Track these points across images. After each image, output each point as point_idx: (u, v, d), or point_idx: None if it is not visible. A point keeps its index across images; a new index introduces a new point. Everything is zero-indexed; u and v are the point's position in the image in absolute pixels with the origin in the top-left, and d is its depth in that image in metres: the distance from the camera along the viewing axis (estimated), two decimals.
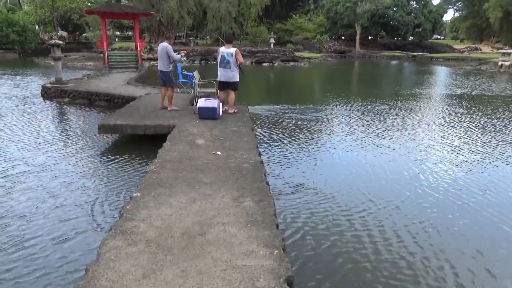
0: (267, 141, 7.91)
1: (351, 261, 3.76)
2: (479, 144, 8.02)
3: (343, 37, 53.60)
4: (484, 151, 7.48)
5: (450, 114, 11.36)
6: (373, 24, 49.54)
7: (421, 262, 3.73)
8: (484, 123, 10.09)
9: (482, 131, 9.14)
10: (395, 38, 55.94)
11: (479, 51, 46.64)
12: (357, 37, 49.48)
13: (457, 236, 4.26)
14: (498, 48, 43.80)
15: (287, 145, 7.72)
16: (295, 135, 8.50)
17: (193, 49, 37.74)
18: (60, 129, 9.06)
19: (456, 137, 8.56)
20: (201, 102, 7.85)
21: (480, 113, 11.45)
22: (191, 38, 48.12)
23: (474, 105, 13.13)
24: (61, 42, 13.73)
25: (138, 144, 7.50)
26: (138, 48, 21.43)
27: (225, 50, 8.09)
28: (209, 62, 32.26)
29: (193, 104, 9.49)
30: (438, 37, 70.98)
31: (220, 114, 8.05)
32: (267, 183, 4.47)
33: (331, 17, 50.46)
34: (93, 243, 3.89)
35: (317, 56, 40.78)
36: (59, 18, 46.03)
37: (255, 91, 17.41)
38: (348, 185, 5.67)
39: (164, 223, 3.43)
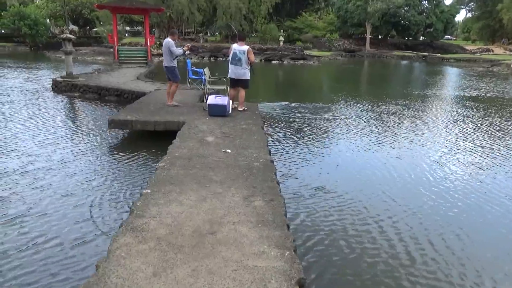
0: (277, 140, 7.86)
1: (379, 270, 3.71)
2: (502, 147, 7.86)
3: (353, 36, 53.24)
4: (507, 155, 7.34)
5: (467, 116, 11.11)
6: (384, 24, 49.16)
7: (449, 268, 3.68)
8: (504, 126, 9.89)
9: (503, 134, 8.97)
10: (406, 38, 55.46)
11: (491, 53, 46.00)
12: (367, 36, 49.13)
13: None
14: (510, 50, 43.24)
15: (297, 144, 7.67)
16: (305, 134, 8.45)
17: (202, 45, 37.75)
18: (70, 123, 9.10)
19: (478, 140, 8.40)
20: (211, 99, 7.82)
21: (498, 116, 11.24)
22: (200, 35, 48.08)
23: (490, 107, 12.91)
24: (72, 37, 13.78)
25: (148, 139, 7.51)
26: (148, 44, 21.47)
27: (237, 47, 8.06)
28: (218, 59, 32.24)
29: (202, 101, 9.47)
30: (450, 37, 70.18)
31: (230, 111, 8.02)
32: (278, 183, 4.43)
33: (342, 15, 50.16)
34: (102, 240, 3.89)
35: (326, 54, 40.59)
36: (70, 12, 46.37)
37: (265, 89, 17.36)
38: (367, 187, 5.61)
39: (175, 221, 3.41)
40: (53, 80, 13.86)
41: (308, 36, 49.40)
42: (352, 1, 48.06)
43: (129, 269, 2.69)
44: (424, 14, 50.58)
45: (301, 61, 32.81)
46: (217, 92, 9.64)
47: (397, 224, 4.47)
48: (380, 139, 8.28)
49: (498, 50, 48.19)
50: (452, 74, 27.64)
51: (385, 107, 12.22)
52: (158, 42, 33.50)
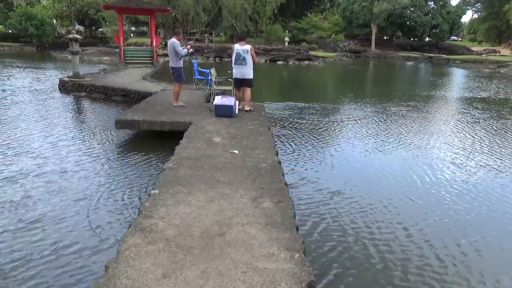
0: (284, 140, 7.84)
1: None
2: None
3: (358, 37, 53.07)
4: None
5: (480, 118, 10.96)
6: (390, 24, 48.97)
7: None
8: None
9: None
10: (411, 39, 55.21)
11: (497, 54, 45.68)
12: (373, 37, 48.95)
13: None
14: None
15: (305, 145, 7.64)
16: (312, 135, 8.42)
17: (208, 45, 37.81)
18: (77, 124, 9.13)
19: (495, 142, 8.30)
20: (218, 100, 7.82)
21: None
22: (205, 35, 48.15)
23: (502, 109, 12.78)
24: (79, 37, 13.85)
25: (154, 140, 7.51)
26: (154, 44, 21.52)
27: (240, 47, 8.08)
28: (223, 59, 32.26)
29: (209, 101, 9.47)
30: (456, 38, 69.78)
31: (237, 112, 8.02)
32: (286, 184, 4.41)
33: (347, 16, 50.03)
34: (111, 239, 3.89)
35: (331, 55, 40.49)
36: (76, 12, 46.61)
37: (271, 89, 17.35)
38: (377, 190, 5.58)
39: (183, 222, 3.40)
40: (60, 80, 13.93)
41: (313, 37, 49.32)
42: (358, 1, 47.92)
43: (138, 270, 2.69)
44: (430, 14, 50.32)
45: (306, 62, 32.75)
46: (223, 93, 9.65)
47: (422, 229, 4.43)
48: (391, 140, 8.23)
49: (504, 51, 47.84)
50: (459, 76, 27.47)
51: (395, 108, 12.15)
52: (163, 42, 33.58)
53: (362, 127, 9.36)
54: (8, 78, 16.62)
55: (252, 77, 8.28)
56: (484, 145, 8.05)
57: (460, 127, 9.73)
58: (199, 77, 11.90)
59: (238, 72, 8.19)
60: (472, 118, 11.04)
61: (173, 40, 8.37)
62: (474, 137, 8.77)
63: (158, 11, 24.23)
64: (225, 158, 5.19)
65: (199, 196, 3.94)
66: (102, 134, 7.95)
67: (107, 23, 43.80)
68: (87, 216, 4.39)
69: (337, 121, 9.97)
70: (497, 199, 5.31)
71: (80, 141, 7.36)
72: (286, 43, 40.15)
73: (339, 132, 8.92)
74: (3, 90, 13.21)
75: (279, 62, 32.53)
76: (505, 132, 9.39)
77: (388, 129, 9.25)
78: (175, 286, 2.54)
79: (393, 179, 5.95)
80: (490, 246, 4.11)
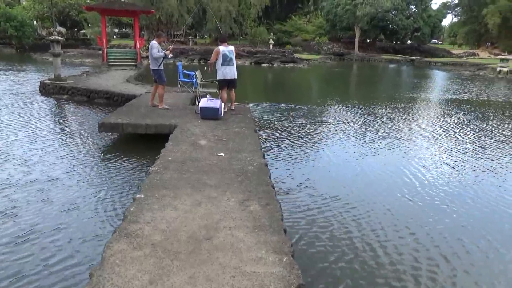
0: (269, 142, 7.83)
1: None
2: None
3: (342, 40, 53.63)
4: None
5: (468, 120, 11.17)
6: (373, 27, 49.65)
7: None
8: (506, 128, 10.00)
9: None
10: (394, 42, 56.14)
11: (477, 57, 46.76)
12: (356, 40, 49.55)
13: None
14: (495, 54, 44.06)
15: (289, 146, 7.65)
16: (298, 137, 8.43)
17: (192, 48, 37.62)
18: (58, 127, 8.94)
19: (486, 144, 8.47)
20: (203, 102, 7.76)
21: (498, 119, 11.37)
22: (190, 37, 47.92)
23: (486, 110, 13.06)
24: (61, 38, 13.56)
25: (139, 143, 7.41)
26: (138, 46, 21.30)
27: (225, 48, 8.14)
28: (208, 62, 32.10)
29: (194, 104, 9.40)
30: (436, 41, 71.20)
31: (222, 114, 7.98)
32: (273, 187, 4.39)
33: (331, 19, 50.50)
34: (96, 246, 3.80)
35: (316, 58, 40.78)
36: (57, 13, 45.73)
37: (257, 91, 17.32)
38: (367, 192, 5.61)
39: (170, 226, 3.34)
40: (40, 83, 13.62)
41: (297, 40, 49.61)
42: (341, 5, 48.42)
43: (124, 277, 2.62)
44: (412, 18, 51.22)
45: (291, 64, 32.88)
46: (209, 95, 9.58)
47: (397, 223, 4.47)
48: (375, 142, 8.31)
49: (483, 54, 49.01)
50: (442, 78, 27.99)
51: (381, 110, 12.26)
52: (147, 45, 33.26)
53: (348, 129, 9.43)
54: None
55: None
56: (475, 146, 8.23)
57: (448, 129, 9.90)
58: (184, 79, 11.81)
59: (227, 73, 8.21)
60: (459, 119, 11.24)
61: (153, 43, 8.38)
62: (464, 138, 8.94)
63: (141, 13, 24.01)
64: (212, 161, 5.15)
65: (186, 200, 3.89)
66: (85, 138, 7.79)
67: (89, 25, 43.07)
68: (69, 224, 4.28)
69: (323, 122, 10.02)
70: (493, 198, 5.42)
71: (61, 146, 7.19)
72: (271, 46, 40.24)
73: (325, 134, 8.96)
74: None
75: (264, 65, 32.57)
76: (492, 132, 9.59)
77: (374, 131, 9.32)
78: None
79: (378, 179, 6.00)
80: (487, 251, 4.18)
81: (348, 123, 10.10)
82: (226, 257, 2.91)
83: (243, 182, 4.43)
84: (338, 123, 10.02)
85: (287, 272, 2.75)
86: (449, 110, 12.90)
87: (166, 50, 8.56)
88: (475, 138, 8.93)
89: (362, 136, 8.77)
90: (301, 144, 7.92)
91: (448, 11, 58.71)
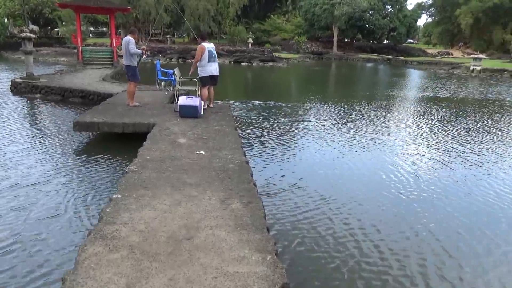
0: (250, 140, 7.74)
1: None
2: (493, 144, 8.12)
3: (320, 39, 54.02)
4: (500, 151, 7.56)
5: (452, 116, 11.36)
6: (350, 27, 50.22)
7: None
8: (487, 124, 10.21)
9: (490, 133, 9.28)
10: (371, 41, 56.97)
11: (451, 56, 47.94)
12: (334, 39, 49.98)
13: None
14: (468, 53, 45.32)
15: (270, 144, 7.58)
16: (278, 134, 8.37)
17: (170, 46, 37.13)
18: (31, 126, 8.60)
19: (475, 140, 8.61)
20: (182, 100, 7.60)
21: (480, 115, 11.60)
22: (168, 36, 47.28)
23: (464, 107, 13.34)
24: (32, 36, 13.10)
25: (116, 142, 7.20)
26: (114, 44, 20.81)
27: (208, 45, 8.13)
28: (187, 60, 31.77)
29: (173, 102, 9.22)
30: (412, 41, 72.66)
31: (202, 112, 7.84)
32: (255, 184, 4.31)
33: (309, 18, 50.77)
34: (69, 248, 3.62)
35: (295, 57, 40.91)
36: (29, 11, 44.30)
37: (237, 89, 17.20)
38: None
39: (148, 227, 3.21)
40: (11, 81, 13.11)
41: (276, 39, 49.69)
42: (319, 4, 48.75)
43: (99, 281, 2.48)
44: (388, 18, 52.07)
45: (271, 63, 32.87)
46: (188, 93, 9.43)
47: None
48: (357, 139, 8.34)
49: (457, 53, 50.31)
50: (418, 76, 28.46)
51: (360, 107, 12.34)
52: None
53: (329, 127, 9.43)
54: None
55: None
56: (462, 142, 8.37)
57: (432, 126, 10.00)
58: (162, 77, 11.59)
59: (213, 69, 8.22)
60: (441, 117, 11.38)
61: (128, 38, 8.21)
62: (448, 134, 9.07)
63: (118, 11, 23.48)
64: (191, 160, 5.02)
65: (165, 199, 3.76)
66: (59, 138, 7.51)
67: (63, 23, 41.88)
68: (41, 224, 4.08)
69: (304, 120, 9.99)
70: (481, 192, 5.48)
71: (34, 147, 6.90)
72: (250, 45, 40.14)
73: (306, 131, 8.93)
74: None
75: (243, 64, 32.45)
76: (475, 129, 9.79)
77: (355, 129, 9.37)
78: None
79: (353, 174, 6.01)
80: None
81: (329, 120, 10.11)
82: (207, 257, 2.81)
83: (224, 180, 4.33)
84: (320, 121, 10.02)
85: (271, 271, 2.67)
86: (430, 108, 13.08)
87: (142, 48, 8.43)
88: (459, 134, 9.08)
89: (344, 134, 8.79)
90: (282, 142, 7.86)
91: (423, 12, 59.94)
